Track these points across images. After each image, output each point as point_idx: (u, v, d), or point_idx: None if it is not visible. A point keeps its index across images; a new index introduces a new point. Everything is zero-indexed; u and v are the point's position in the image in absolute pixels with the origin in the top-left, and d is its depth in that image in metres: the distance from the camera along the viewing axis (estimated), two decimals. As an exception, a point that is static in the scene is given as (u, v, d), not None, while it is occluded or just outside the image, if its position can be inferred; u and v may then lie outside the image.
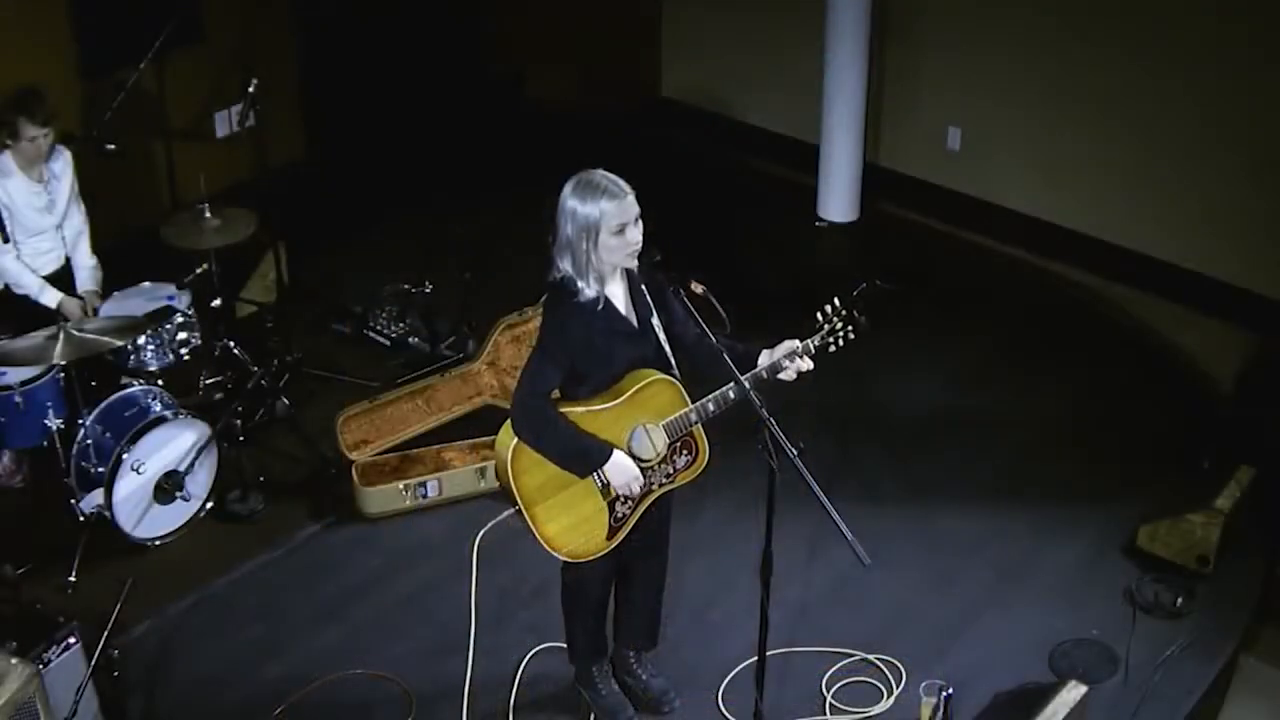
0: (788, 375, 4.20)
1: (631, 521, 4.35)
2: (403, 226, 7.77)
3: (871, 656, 5.11)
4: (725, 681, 5.01)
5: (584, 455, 4.18)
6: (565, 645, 4.90)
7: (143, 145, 7.29)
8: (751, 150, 8.75)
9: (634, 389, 4.19)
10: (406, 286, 6.92)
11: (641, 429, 4.24)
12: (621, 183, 4.07)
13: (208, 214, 6.09)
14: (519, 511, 4.24)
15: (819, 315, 4.18)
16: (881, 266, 7.59)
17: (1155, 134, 7.22)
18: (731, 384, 4.11)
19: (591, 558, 4.34)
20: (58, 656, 4.57)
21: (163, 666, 5.12)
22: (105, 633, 4.32)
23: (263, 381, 6.14)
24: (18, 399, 5.50)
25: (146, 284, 6.13)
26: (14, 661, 4.24)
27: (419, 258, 7.08)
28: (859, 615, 5.31)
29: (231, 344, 6.25)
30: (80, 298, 5.91)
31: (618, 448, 4.21)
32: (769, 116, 8.67)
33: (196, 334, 6.01)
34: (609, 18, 8.95)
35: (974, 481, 6.01)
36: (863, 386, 6.64)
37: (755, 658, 4.37)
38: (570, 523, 4.26)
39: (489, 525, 4.25)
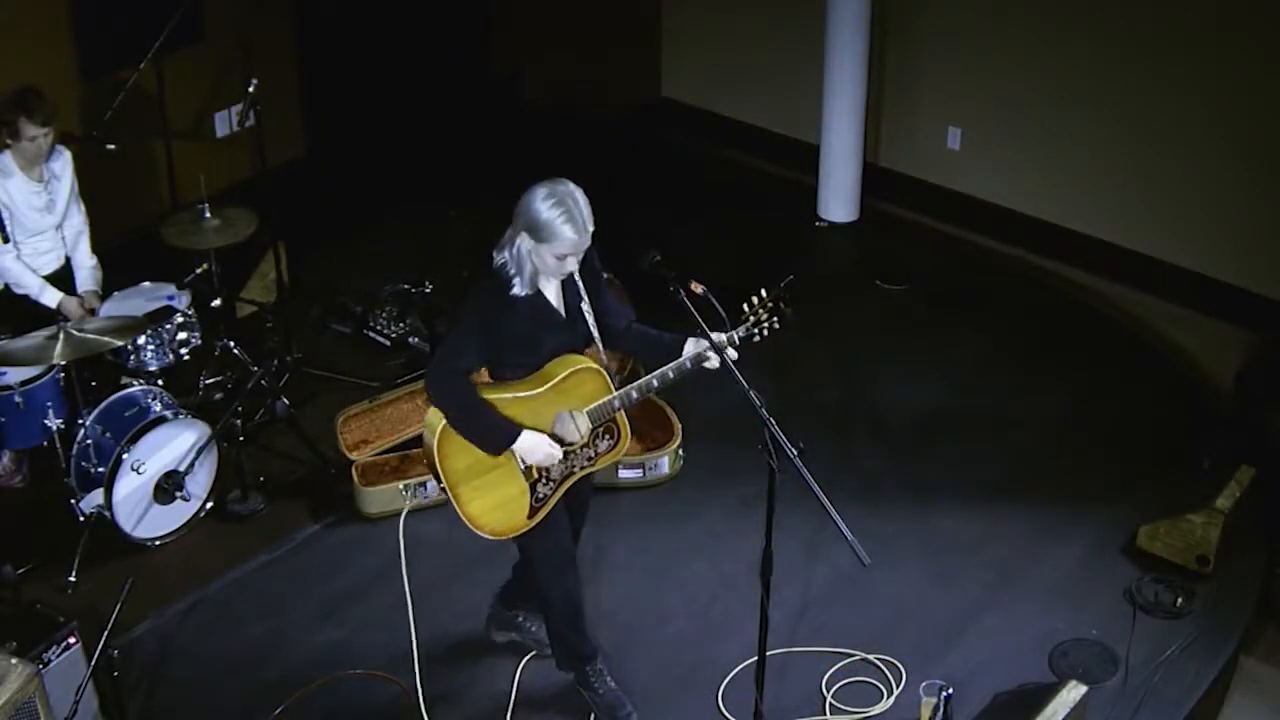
0: (712, 364, 4.29)
1: (552, 502, 4.47)
2: (403, 226, 7.77)
3: (871, 656, 5.11)
4: (725, 681, 5.01)
5: (493, 433, 4.28)
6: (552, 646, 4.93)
7: (143, 145, 7.30)
8: (751, 150, 8.75)
9: (560, 376, 4.32)
10: (406, 286, 6.92)
11: (566, 414, 4.38)
12: (589, 217, 4.17)
13: (208, 214, 6.10)
14: (443, 489, 4.38)
15: (745, 306, 4.28)
16: (881, 266, 7.60)
17: (1155, 134, 7.22)
18: (654, 373, 4.29)
19: (511, 535, 4.46)
20: (58, 656, 4.58)
21: (163, 666, 5.12)
22: (105, 633, 4.31)
23: (263, 381, 6.14)
24: (18, 399, 5.50)
25: (146, 284, 6.13)
26: (14, 661, 4.24)
27: (419, 258, 7.08)
28: (859, 615, 5.31)
29: (231, 344, 6.25)
30: (80, 297, 5.91)
31: (528, 428, 4.31)
32: (769, 116, 8.67)
33: (196, 334, 6.01)
34: (609, 18, 8.95)
35: (974, 481, 6.01)
36: (863, 386, 6.64)
37: (755, 658, 4.37)
38: (493, 502, 4.40)
39: (408, 505, 4.46)
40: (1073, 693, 4.62)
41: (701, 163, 8.76)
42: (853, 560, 3.93)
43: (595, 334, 4.41)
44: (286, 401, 6.25)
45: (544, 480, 4.42)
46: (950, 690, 4.66)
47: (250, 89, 6.24)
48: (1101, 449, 6.22)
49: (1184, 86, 7.05)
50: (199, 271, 6.13)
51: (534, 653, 5.10)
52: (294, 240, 7.09)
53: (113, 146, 6.48)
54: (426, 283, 6.85)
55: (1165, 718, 4.90)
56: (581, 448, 4.44)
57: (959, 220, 8.01)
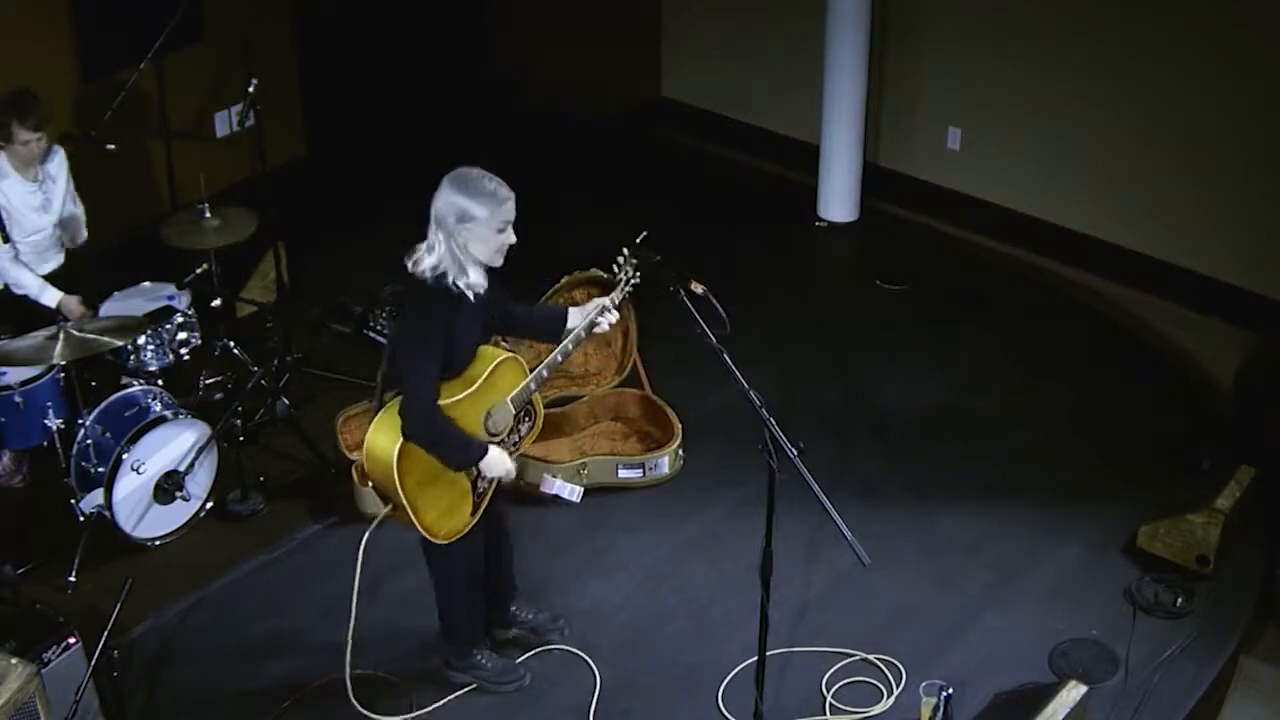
0: (602, 328, 4.53)
1: (489, 495, 4.62)
2: (403, 226, 7.73)
3: (871, 656, 5.11)
4: (725, 681, 5.01)
5: (465, 452, 4.44)
6: (443, 630, 4.97)
7: (143, 145, 7.30)
8: (751, 150, 8.75)
9: (486, 373, 4.45)
10: (406, 286, 6.92)
11: (493, 409, 4.51)
12: (505, 184, 4.35)
13: (208, 214, 6.10)
14: (396, 508, 4.48)
15: (614, 267, 4.48)
16: (881, 266, 7.60)
17: (1155, 134, 7.22)
18: (557, 349, 4.51)
19: (461, 533, 4.58)
20: (58, 656, 4.57)
21: (163, 666, 5.12)
22: (105, 633, 4.32)
23: (263, 381, 6.14)
24: (18, 399, 5.50)
25: (146, 284, 6.14)
26: (14, 661, 4.24)
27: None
28: (859, 615, 5.31)
29: (231, 344, 6.25)
30: (80, 296, 5.90)
31: (491, 443, 4.48)
32: (769, 116, 8.66)
33: (196, 334, 6.02)
34: (609, 18, 8.95)
35: (974, 481, 6.01)
36: (863, 386, 6.64)
37: (755, 658, 4.38)
38: (445, 507, 4.53)
39: (373, 524, 4.46)
40: (1073, 693, 4.62)
41: (701, 163, 8.76)
42: (853, 560, 3.94)
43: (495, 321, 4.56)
44: (286, 401, 6.25)
45: (480, 476, 4.56)
46: (950, 690, 4.66)
47: (250, 89, 6.24)
48: (1101, 449, 6.21)
49: (1185, 86, 7.05)
50: (199, 271, 6.13)
51: (533, 651, 5.11)
52: (294, 240, 7.09)
53: (112, 146, 6.47)
54: (426, 283, 6.84)
55: (1165, 718, 4.90)
56: (508, 435, 4.58)
57: (959, 220, 8.00)
